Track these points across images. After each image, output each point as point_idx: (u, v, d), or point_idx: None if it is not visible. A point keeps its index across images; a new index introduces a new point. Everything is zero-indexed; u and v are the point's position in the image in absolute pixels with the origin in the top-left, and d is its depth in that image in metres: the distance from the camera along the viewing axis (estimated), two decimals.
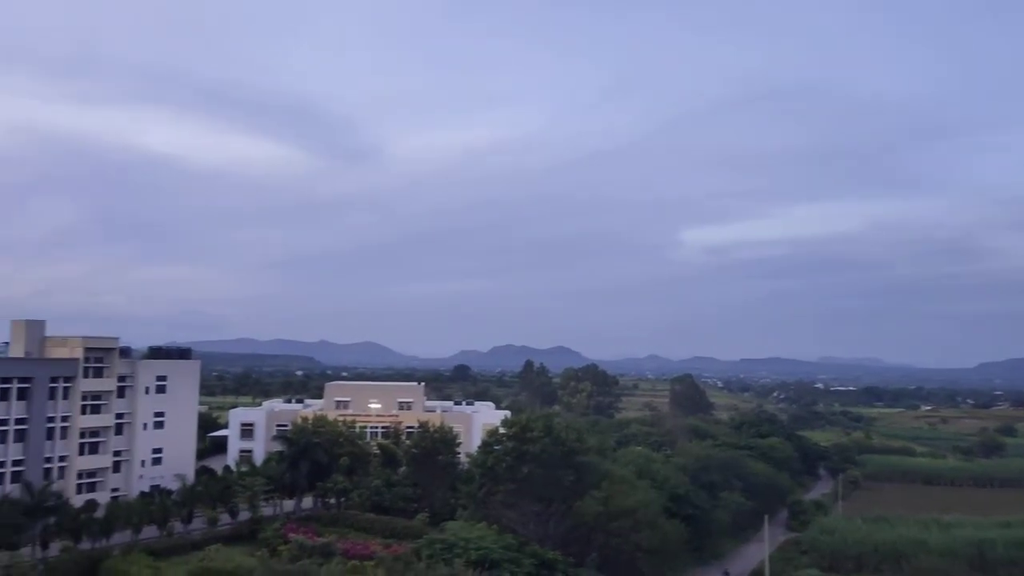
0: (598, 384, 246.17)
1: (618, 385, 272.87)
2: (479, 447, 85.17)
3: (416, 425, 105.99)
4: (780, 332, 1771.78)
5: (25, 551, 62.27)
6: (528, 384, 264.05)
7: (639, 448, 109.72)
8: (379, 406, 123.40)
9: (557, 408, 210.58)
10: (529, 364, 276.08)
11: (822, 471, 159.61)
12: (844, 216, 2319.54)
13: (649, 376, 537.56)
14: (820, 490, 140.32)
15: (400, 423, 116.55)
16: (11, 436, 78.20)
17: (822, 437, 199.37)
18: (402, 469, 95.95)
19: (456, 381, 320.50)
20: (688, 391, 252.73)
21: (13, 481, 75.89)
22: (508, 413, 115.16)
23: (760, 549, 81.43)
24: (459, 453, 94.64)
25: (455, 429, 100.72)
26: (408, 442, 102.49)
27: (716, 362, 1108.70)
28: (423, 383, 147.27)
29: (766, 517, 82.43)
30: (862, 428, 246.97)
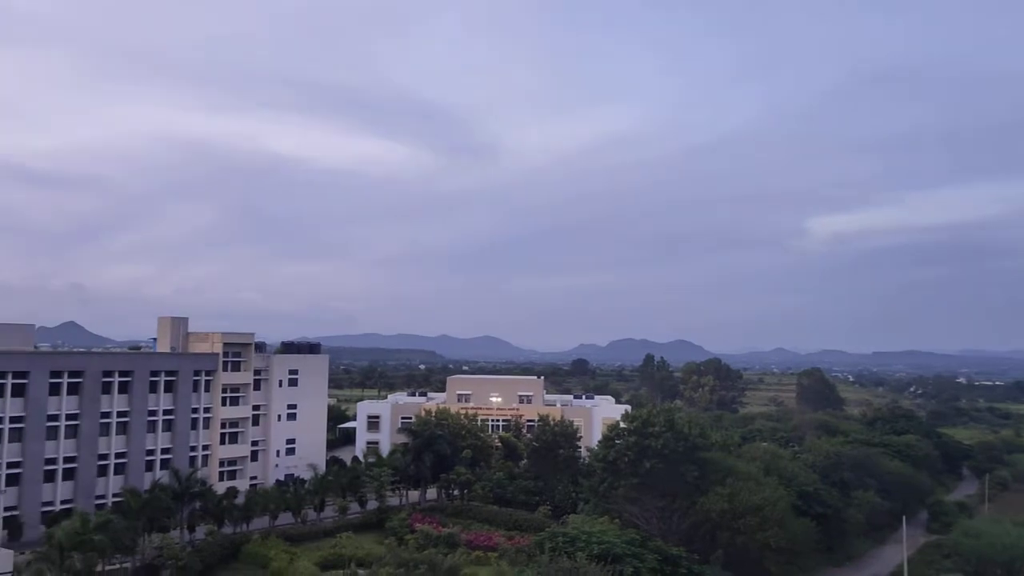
0: (721, 378, 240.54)
1: (742, 379, 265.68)
2: (600, 441, 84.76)
3: (536, 419, 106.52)
4: (916, 323, 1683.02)
5: (174, 534, 66.47)
6: (648, 378, 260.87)
7: (765, 444, 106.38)
8: (500, 399, 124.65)
9: (678, 403, 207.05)
10: (649, 358, 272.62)
11: (965, 471, 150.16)
12: (983, 201, 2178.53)
13: (774, 370, 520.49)
14: (964, 491, 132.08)
15: (520, 416, 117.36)
16: (160, 426, 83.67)
17: (965, 435, 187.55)
18: (523, 462, 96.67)
19: (575, 375, 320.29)
20: (816, 385, 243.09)
21: (162, 468, 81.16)
22: (628, 407, 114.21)
23: (897, 551, 77.57)
24: (579, 447, 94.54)
25: (575, 423, 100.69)
26: (529, 435, 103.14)
27: (846, 355, 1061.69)
28: (542, 377, 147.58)
29: (903, 518, 78.45)
30: (1011, 426, 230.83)
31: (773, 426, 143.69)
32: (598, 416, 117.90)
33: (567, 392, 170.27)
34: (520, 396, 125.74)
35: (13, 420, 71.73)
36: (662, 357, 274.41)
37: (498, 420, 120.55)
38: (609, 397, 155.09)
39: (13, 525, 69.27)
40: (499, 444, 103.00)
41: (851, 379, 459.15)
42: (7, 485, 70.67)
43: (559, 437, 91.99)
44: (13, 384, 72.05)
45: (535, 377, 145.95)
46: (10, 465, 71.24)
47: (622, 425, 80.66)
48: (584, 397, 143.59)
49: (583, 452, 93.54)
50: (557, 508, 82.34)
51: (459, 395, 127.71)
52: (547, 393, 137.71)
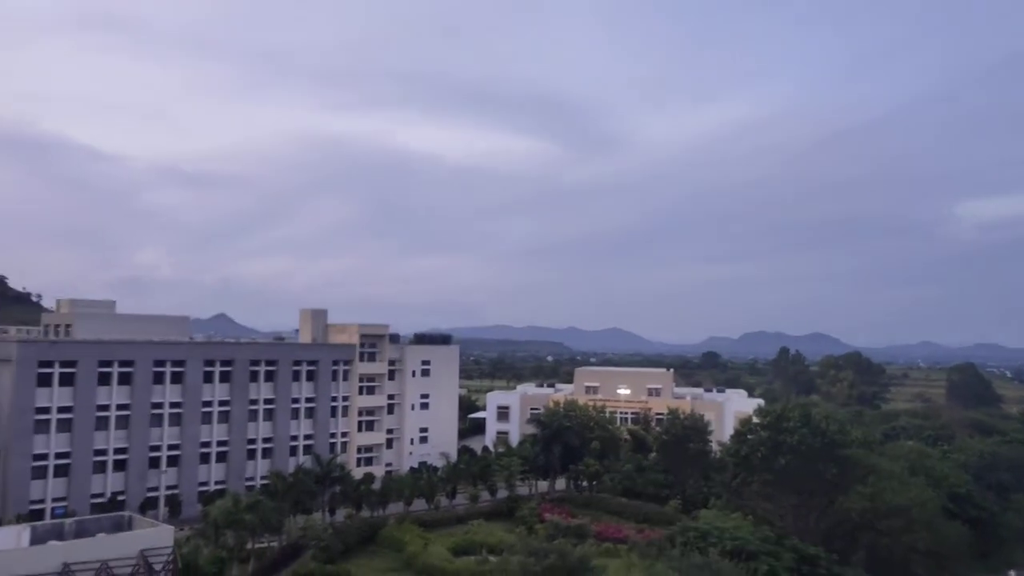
0: (861, 373, 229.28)
1: (884, 374, 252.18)
2: (732, 436, 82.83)
3: (665, 412, 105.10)
4: None
5: (316, 515, 69.79)
6: (782, 372, 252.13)
7: (910, 442, 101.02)
8: (628, 392, 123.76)
9: (815, 398, 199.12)
10: (784, 351, 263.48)
11: None
12: None
13: (921, 365, 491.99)
14: None
15: (649, 409, 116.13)
16: (302, 413, 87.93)
17: None
18: (652, 455, 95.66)
19: (705, 368, 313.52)
20: (969, 381, 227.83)
21: (305, 453, 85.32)
22: (761, 402, 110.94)
23: None
24: (710, 441, 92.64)
25: (706, 417, 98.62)
26: (658, 428, 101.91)
27: (1003, 349, 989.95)
28: (671, 369, 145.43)
29: None
30: None
31: (919, 424, 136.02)
32: (729, 410, 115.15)
33: (697, 385, 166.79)
34: (649, 389, 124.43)
35: (172, 406, 77.20)
36: (797, 350, 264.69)
37: (626, 413, 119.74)
38: (741, 391, 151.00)
39: (173, 503, 74.65)
40: (628, 436, 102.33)
41: (1009, 375, 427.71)
42: (168, 466, 76.21)
43: (689, 431, 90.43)
44: (172, 372, 77.52)
45: (664, 370, 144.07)
46: (170, 447, 76.75)
47: (755, 420, 78.52)
48: (715, 391, 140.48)
49: (714, 446, 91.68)
50: (687, 502, 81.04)
51: (587, 387, 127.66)
52: (676, 386, 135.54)
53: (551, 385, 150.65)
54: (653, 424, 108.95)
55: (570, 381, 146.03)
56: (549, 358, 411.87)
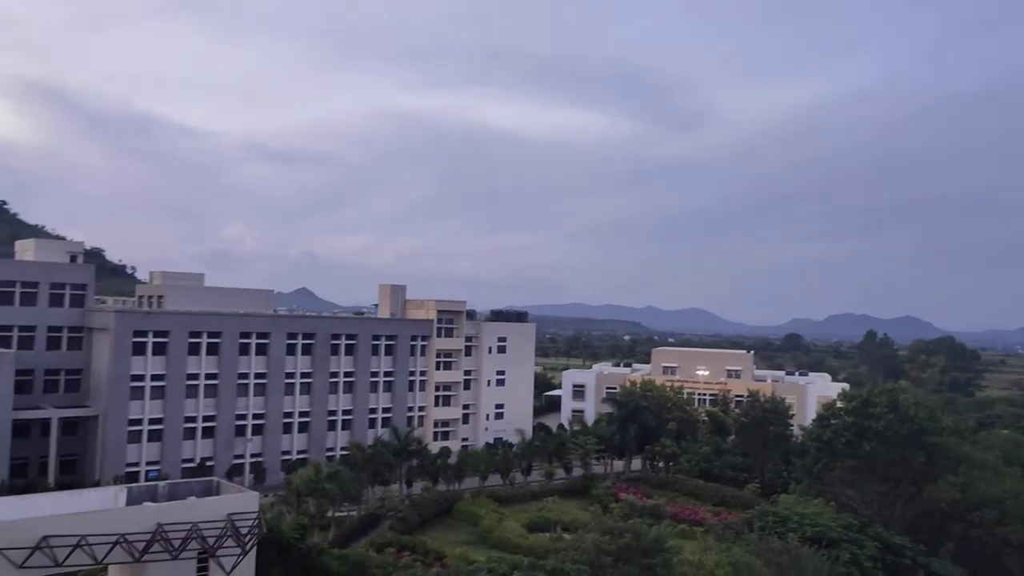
0: (954, 358, 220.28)
1: (979, 360, 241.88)
2: (814, 420, 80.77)
3: (745, 394, 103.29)
4: None
5: (394, 487, 71.16)
6: (869, 356, 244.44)
7: (1006, 431, 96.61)
8: (707, 373, 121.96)
9: (904, 383, 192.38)
10: (871, 334, 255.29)
11: None
12: None
13: (1020, 351, 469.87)
14: None
15: (728, 391, 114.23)
16: (381, 386, 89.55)
17: None
18: (731, 438, 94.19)
19: (787, 350, 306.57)
20: None
21: (383, 425, 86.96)
22: (846, 386, 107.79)
23: None
24: (791, 425, 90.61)
25: (787, 400, 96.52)
26: (737, 411, 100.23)
27: None
28: (752, 351, 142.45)
29: None
30: None
31: (1016, 412, 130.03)
32: (812, 394, 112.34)
33: (778, 368, 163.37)
34: (728, 370, 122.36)
35: (257, 376, 79.59)
36: (885, 334, 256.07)
37: (704, 394, 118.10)
38: (824, 374, 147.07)
39: (258, 470, 77.17)
40: (705, 418, 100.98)
41: None
42: (253, 434, 78.77)
43: (769, 414, 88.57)
44: (257, 344, 79.86)
45: (744, 351, 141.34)
46: (255, 416, 79.25)
47: (839, 404, 76.32)
48: (797, 374, 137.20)
49: (795, 430, 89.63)
50: (766, 486, 79.55)
51: (664, 367, 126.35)
52: (757, 368, 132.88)
53: (628, 364, 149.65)
54: (732, 406, 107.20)
55: (647, 361, 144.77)
56: (626, 337, 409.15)
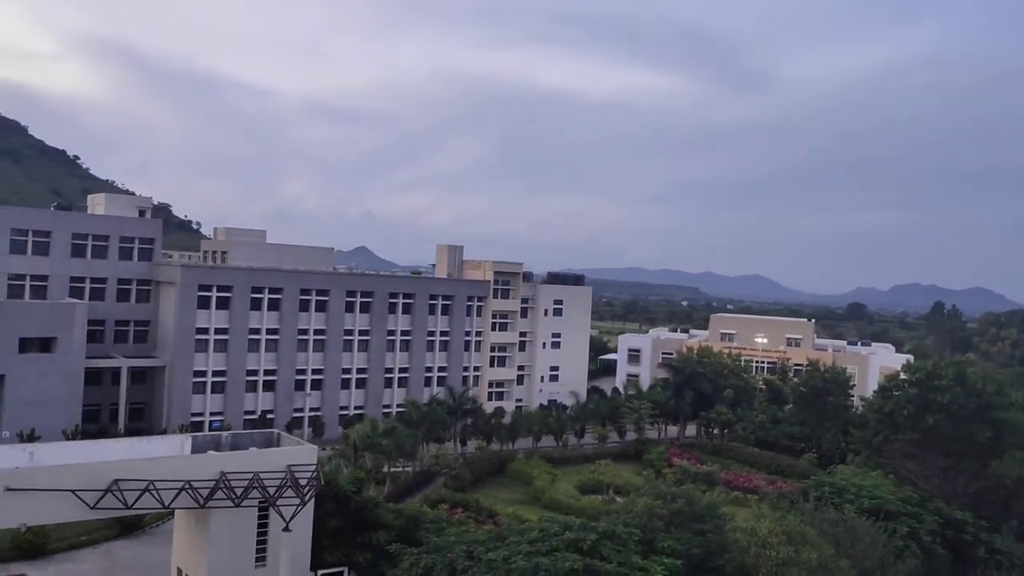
0: None
1: None
2: (875, 391, 79.17)
3: (805, 363, 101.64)
4: None
5: (448, 445, 72.13)
6: (936, 327, 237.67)
7: None
8: (765, 341, 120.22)
9: (972, 356, 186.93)
10: (938, 305, 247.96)
11: None
12: None
13: None
14: None
15: (787, 359, 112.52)
16: (437, 346, 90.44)
17: None
18: (788, 407, 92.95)
19: (850, 320, 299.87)
20: None
21: (438, 384, 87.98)
22: (910, 358, 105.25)
23: None
24: (852, 396, 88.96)
25: (848, 370, 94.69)
26: (796, 380, 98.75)
27: None
28: (813, 320, 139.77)
29: None
30: None
31: None
32: (875, 364, 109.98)
33: (840, 338, 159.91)
34: (788, 339, 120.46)
35: (316, 332, 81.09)
36: (954, 305, 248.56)
37: (762, 362, 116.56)
38: (888, 345, 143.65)
39: (316, 424, 78.99)
40: (763, 386, 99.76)
41: None
42: (312, 389, 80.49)
43: (829, 383, 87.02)
44: (317, 300, 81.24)
45: (805, 320, 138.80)
46: (314, 371, 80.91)
47: (902, 376, 74.57)
48: (859, 344, 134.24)
49: (856, 401, 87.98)
50: (823, 457, 78.44)
51: (722, 334, 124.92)
52: (818, 337, 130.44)
53: (685, 330, 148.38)
54: (791, 375, 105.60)
55: (705, 327, 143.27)
56: (684, 303, 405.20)
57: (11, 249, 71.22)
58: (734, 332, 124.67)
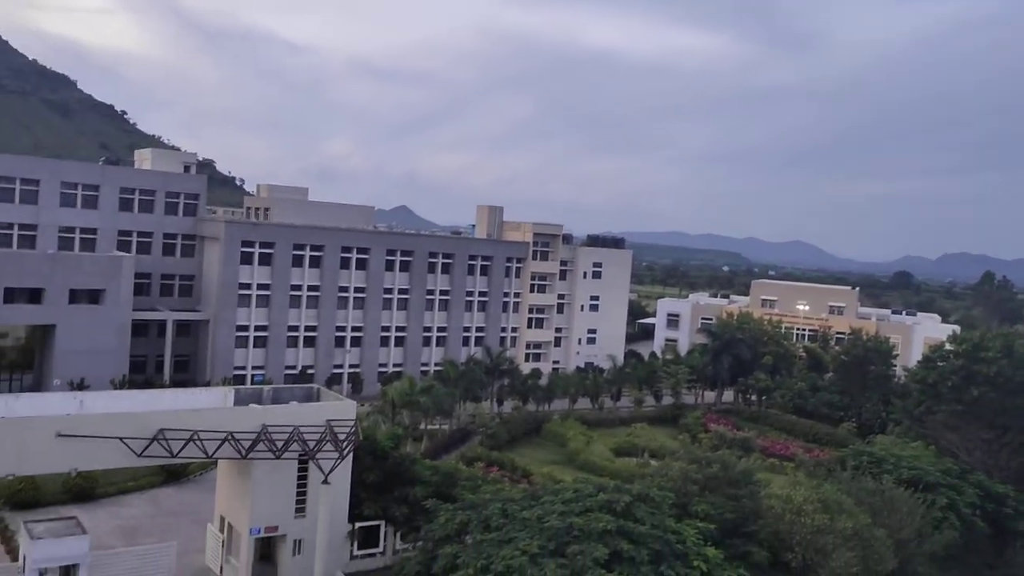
0: None
1: None
2: (919, 361, 77.73)
3: (847, 331, 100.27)
4: None
5: (485, 405, 72.77)
6: (985, 298, 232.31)
7: None
8: (807, 308, 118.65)
9: (1021, 328, 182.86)
10: (988, 276, 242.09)
11: None
12: None
13: None
14: None
15: (829, 327, 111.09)
16: (475, 306, 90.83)
17: None
18: (828, 375, 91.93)
19: (895, 288, 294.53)
20: None
21: (476, 344, 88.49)
22: (956, 328, 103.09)
23: None
24: (894, 365, 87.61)
25: (891, 339, 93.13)
26: (837, 348, 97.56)
27: None
28: (857, 288, 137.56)
29: None
30: None
31: None
32: (919, 335, 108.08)
33: (884, 307, 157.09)
34: (830, 306, 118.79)
35: (357, 290, 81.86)
36: (1004, 276, 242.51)
37: (803, 329, 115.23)
38: (934, 315, 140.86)
39: (356, 380, 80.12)
40: (803, 354, 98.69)
41: None
42: (351, 346, 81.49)
43: (871, 352, 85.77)
44: (357, 258, 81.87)
45: (849, 288, 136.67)
46: (354, 329, 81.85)
47: (948, 346, 73.12)
48: (904, 313, 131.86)
49: (898, 371, 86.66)
50: (863, 426, 77.69)
51: (763, 300, 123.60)
52: (861, 306, 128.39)
53: (725, 296, 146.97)
54: (832, 343, 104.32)
55: (745, 293, 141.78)
56: (725, 268, 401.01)
57: (61, 202, 72.82)
58: (775, 299, 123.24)
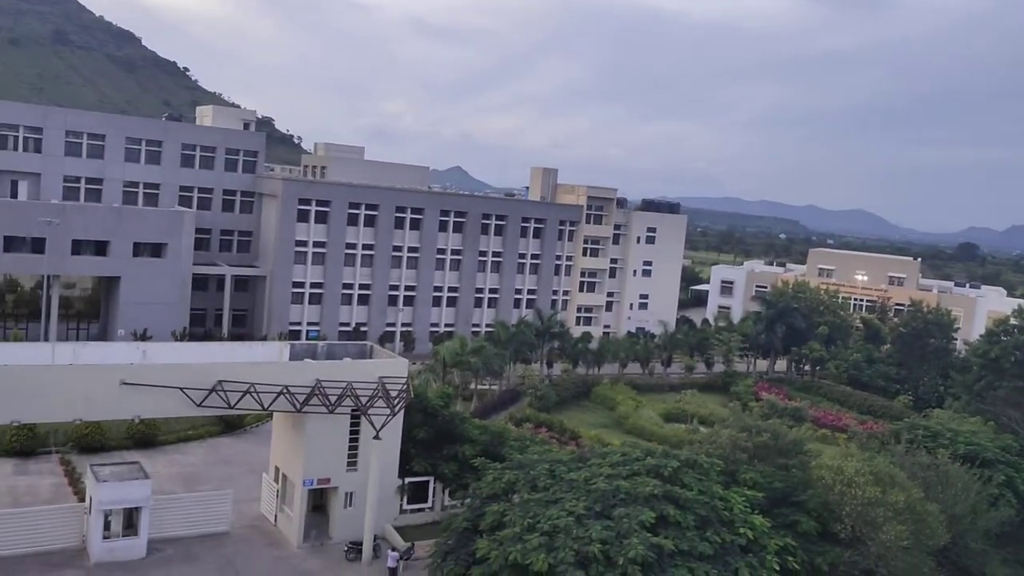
0: None
1: None
2: (981, 335, 75.79)
3: (907, 303, 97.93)
4: None
5: (535, 367, 73.12)
6: None
7: None
8: (866, 278, 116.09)
9: None
10: None
11: None
12: None
13: None
14: None
15: (888, 299, 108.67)
16: (527, 268, 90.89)
17: None
18: (886, 347, 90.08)
19: (959, 260, 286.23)
20: None
21: (527, 307, 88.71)
22: (1023, 302, 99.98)
23: None
24: (955, 339, 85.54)
25: (953, 312, 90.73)
26: (896, 320, 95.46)
27: None
28: (919, 259, 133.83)
29: None
30: None
31: None
32: (983, 308, 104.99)
33: (947, 279, 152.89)
34: (890, 277, 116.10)
35: (410, 250, 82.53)
36: None
37: (861, 300, 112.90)
38: (999, 288, 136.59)
39: (408, 339, 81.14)
40: (860, 325, 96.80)
41: None
42: (404, 305, 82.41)
43: (931, 325, 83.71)
44: (411, 219, 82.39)
45: (910, 258, 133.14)
46: (407, 288, 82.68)
47: (1012, 321, 71.09)
48: (968, 286, 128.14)
49: (959, 345, 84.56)
50: (919, 400, 76.15)
51: (820, 269, 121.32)
52: (923, 277, 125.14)
53: (781, 264, 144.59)
54: (891, 315, 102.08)
55: (802, 262, 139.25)
56: (782, 235, 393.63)
57: (126, 157, 74.60)
58: (833, 268, 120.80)
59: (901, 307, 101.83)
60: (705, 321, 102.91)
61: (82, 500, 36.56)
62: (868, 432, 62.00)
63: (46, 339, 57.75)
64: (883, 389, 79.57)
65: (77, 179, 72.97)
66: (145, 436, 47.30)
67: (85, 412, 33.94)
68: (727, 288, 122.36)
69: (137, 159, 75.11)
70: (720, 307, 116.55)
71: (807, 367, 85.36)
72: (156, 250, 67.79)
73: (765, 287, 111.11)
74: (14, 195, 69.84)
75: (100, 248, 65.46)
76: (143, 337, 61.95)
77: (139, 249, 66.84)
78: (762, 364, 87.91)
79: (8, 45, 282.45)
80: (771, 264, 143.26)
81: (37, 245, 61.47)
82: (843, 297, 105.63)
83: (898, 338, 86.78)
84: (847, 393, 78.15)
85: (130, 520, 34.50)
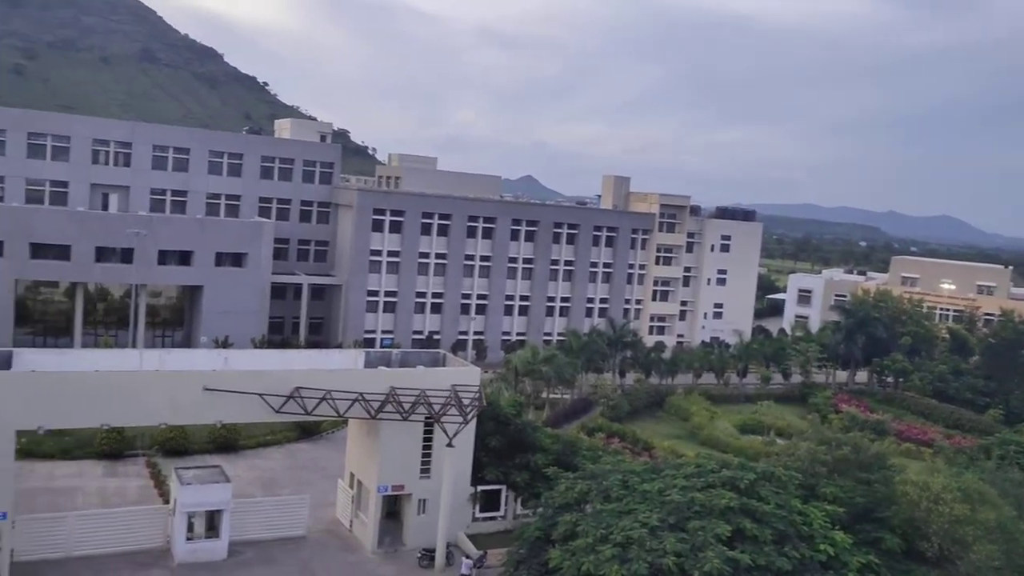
0: None
1: None
2: None
3: (997, 313, 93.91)
4: None
5: (607, 376, 72.62)
6: None
7: None
8: (953, 287, 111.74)
9: None
10: None
11: None
12: None
13: None
14: None
15: (977, 308, 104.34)
16: (599, 277, 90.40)
17: None
18: (974, 358, 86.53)
19: None
20: None
21: (599, 316, 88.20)
22: None
23: None
24: None
25: None
26: (985, 330, 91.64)
27: None
28: (1011, 267, 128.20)
29: None
30: None
31: None
32: None
33: None
34: (979, 286, 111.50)
35: (482, 259, 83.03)
36: None
37: (947, 309, 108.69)
38: None
39: (480, 347, 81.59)
40: (946, 335, 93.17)
41: None
42: (476, 313, 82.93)
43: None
44: (483, 228, 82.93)
45: (1001, 267, 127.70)
46: (479, 297, 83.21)
47: None
48: None
49: None
50: (1011, 414, 72.81)
51: (903, 277, 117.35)
52: (1015, 286, 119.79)
53: (861, 272, 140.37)
54: (979, 325, 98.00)
55: (884, 270, 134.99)
56: (862, 243, 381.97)
57: (209, 170, 77.19)
58: (917, 276, 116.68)
59: (991, 317, 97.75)
60: (782, 331, 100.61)
61: (167, 502, 37.80)
62: (955, 447, 59.65)
63: (134, 346, 59.99)
64: (971, 402, 76.41)
65: (163, 191, 75.84)
66: (226, 441, 48.64)
67: (170, 416, 35.09)
68: (805, 297, 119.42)
69: (219, 172, 77.65)
70: (797, 316, 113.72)
71: (889, 379, 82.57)
72: (237, 260, 69.88)
73: (844, 296, 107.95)
74: (104, 207, 72.97)
75: (184, 258, 67.89)
76: (224, 344, 63.82)
77: (221, 259, 69.03)
78: (841, 375, 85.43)
79: (99, 63, 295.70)
80: (850, 272, 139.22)
81: (126, 255, 64.07)
82: (928, 307, 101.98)
83: (987, 349, 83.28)
84: (932, 406, 75.30)
85: (212, 522, 35.51)
